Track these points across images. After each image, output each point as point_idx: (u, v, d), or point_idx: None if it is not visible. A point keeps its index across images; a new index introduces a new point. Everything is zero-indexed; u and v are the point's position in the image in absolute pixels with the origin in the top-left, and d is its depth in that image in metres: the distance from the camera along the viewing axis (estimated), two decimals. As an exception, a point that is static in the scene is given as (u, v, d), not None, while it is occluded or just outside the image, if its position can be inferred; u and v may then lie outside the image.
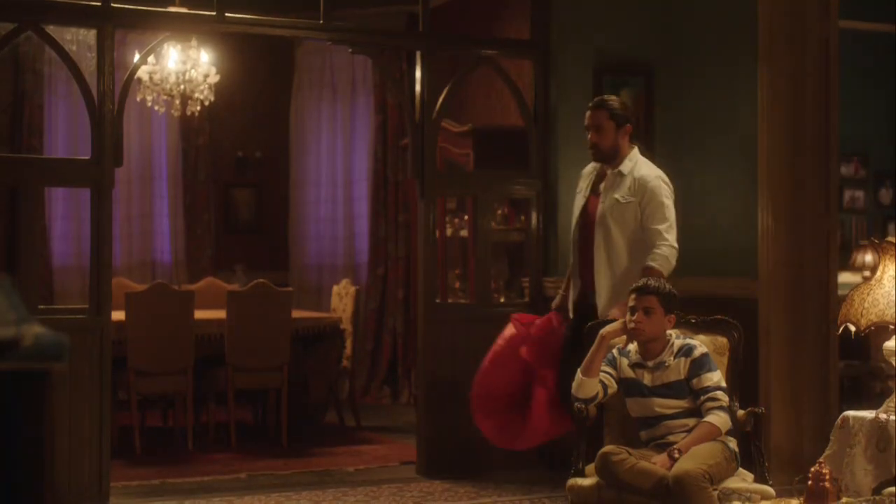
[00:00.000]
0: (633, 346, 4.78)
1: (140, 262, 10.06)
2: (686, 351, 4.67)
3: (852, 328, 4.78)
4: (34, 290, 5.91)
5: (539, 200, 7.01)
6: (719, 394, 4.58)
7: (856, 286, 4.90)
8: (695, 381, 4.61)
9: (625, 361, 4.77)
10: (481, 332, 6.24)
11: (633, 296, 4.72)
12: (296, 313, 8.00)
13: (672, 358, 4.66)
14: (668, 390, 4.63)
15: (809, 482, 3.79)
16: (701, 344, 4.74)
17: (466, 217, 7.70)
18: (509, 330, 5.84)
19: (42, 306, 5.98)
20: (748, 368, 5.34)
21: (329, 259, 10.54)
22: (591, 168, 5.77)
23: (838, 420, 4.85)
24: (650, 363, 4.69)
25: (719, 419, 4.53)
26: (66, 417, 5.77)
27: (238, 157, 10.57)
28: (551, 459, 6.73)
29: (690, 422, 4.59)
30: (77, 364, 5.81)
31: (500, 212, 7.89)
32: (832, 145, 6.45)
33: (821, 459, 4.12)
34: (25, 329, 1.73)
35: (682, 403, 4.61)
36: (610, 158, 5.60)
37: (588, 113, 5.58)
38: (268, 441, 7.87)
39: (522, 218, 7.63)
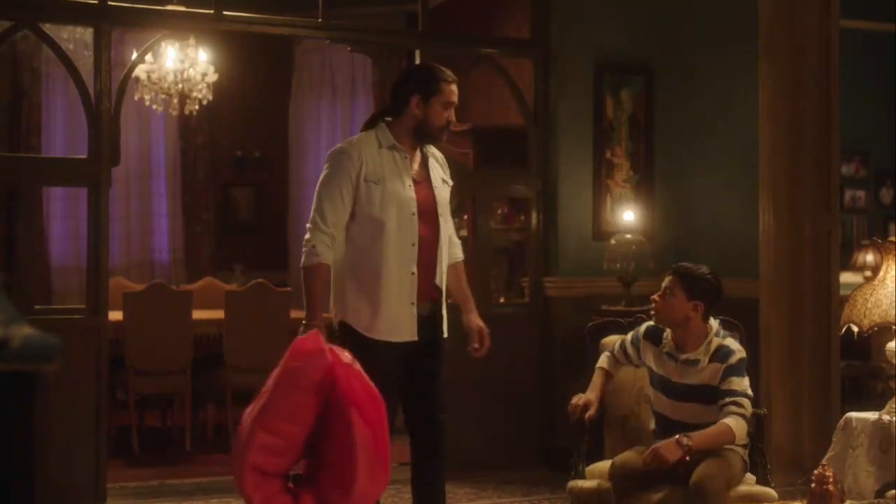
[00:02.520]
0: (668, 333, 4.42)
1: (139, 262, 10.04)
2: (723, 356, 4.32)
3: (855, 329, 4.74)
4: (31, 290, 5.87)
5: (539, 200, 6.95)
6: (745, 401, 4.28)
7: (858, 286, 4.87)
8: (725, 382, 4.29)
9: (651, 350, 4.44)
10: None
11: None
12: (295, 313, 7.93)
13: (706, 359, 4.33)
14: (697, 394, 4.32)
15: (813, 485, 3.75)
16: (741, 349, 4.38)
17: (466, 217, 7.65)
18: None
19: (38, 306, 5.93)
20: (749, 369, 5.30)
21: (328, 259, 10.49)
22: (374, 142, 4.30)
23: (841, 421, 4.81)
24: (682, 357, 4.36)
25: (738, 425, 4.23)
26: (63, 418, 5.72)
27: (237, 156, 10.54)
28: (552, 460, 6.72)
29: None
30: (74, 364, 5.77)
31: (499, 211, 7.84)
32: (833, 144, 6.41)
33: (823, 462, 4.08)
34: (14, 330, 1.70)
35: (709, 413, 4.28)
36: None
37: (457, 88, 4.37)
38: (266, 442, 7.81)
39: (522, 218, 7.58)
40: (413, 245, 4.27)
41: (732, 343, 4.38)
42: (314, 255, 4.21)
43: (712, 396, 4.28)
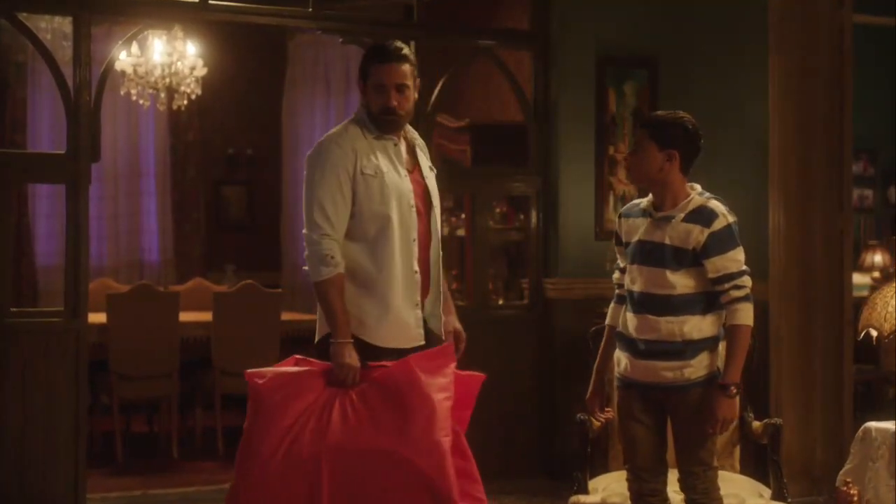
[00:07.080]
0: (646, 200, 3.99)
1: (127, 262, 9.97)
2: (705, 217, 3.83)
3: (874, 333, 4.54)
4: (8, 292, 5.66)
5: (539, 198, 6.81)
6: (745, 279, 3.83)
7: (878, 289, 4.69)
8: (716, 260, 3.81)
9: (627, 224, 4.00)
10: (478, 335, 5.95)
11: None
12: (287, 315, 7.86)
13: (682, 215, 3.86)
14: (662, 256, 3.84)
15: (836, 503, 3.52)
16: (726, 213, 3.87)
17: (464, 215, 7.56)
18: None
19: (14, 308, 5.73)
20: (759, 373, 5.14)
21: (323, 259, 10.35)
22: (359, 132, 3.99)
23: (859, 432, 4.63)
24: (658, 214, 3.91)
25: (747, 314, 3.81)
26: (41, 425, 5.56)
27: (229, 153, 10.46)
28: (552, 469, 6.57)
29: (686, 323, 3.82)
30: (52, 368, 5.61)
31: (498, 210, 7.74)
32: (846, 141, 6.36)
33: (848, 479, 3.84)
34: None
35: (680, 280, 3.82)
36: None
37: (395, 66, 3.98)
38: (257, 448, 7.64)
39: (522, 216, 7.49)
40: (413, 241, 3.97)
41: (717, 206, 3.88)
42: (332, 266, 3.82)
43: (678, 262, 3.83)
